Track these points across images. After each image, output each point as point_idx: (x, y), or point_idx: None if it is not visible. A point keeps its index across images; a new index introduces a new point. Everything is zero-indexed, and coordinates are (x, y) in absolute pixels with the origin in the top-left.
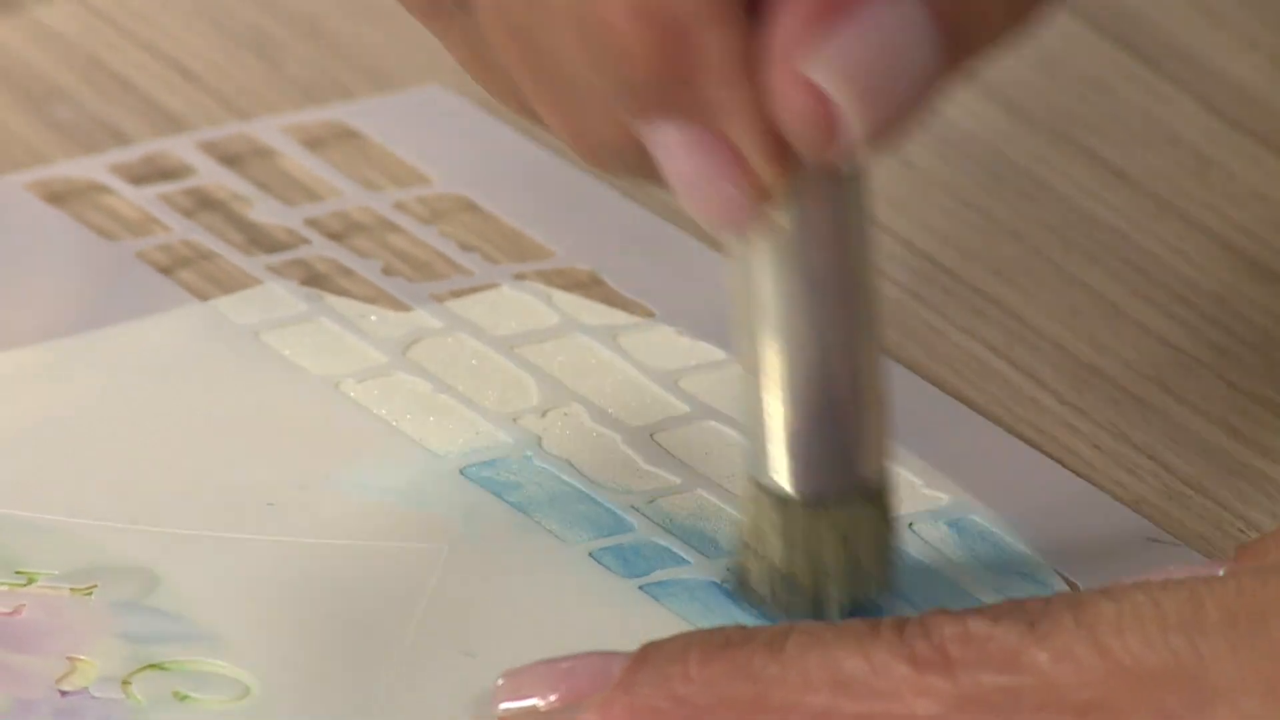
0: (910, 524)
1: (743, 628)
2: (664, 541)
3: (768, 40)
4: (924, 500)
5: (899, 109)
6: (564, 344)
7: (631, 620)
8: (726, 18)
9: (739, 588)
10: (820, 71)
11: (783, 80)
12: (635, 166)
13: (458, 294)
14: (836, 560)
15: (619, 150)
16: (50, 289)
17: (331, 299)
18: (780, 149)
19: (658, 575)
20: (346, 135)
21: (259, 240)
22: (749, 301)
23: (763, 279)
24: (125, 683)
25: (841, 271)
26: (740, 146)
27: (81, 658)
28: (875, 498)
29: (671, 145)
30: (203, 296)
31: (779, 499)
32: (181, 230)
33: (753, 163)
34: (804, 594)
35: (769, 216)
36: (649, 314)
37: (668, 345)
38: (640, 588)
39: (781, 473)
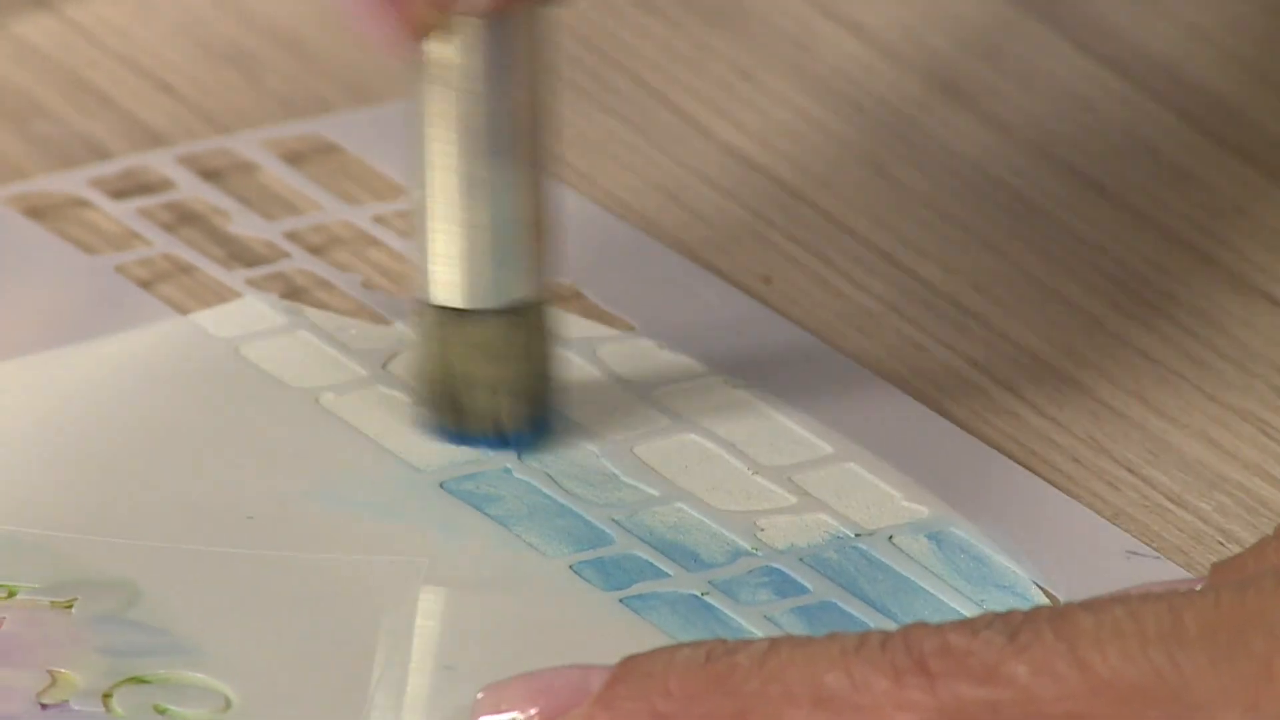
0: (890, 536)
1: (724, 641)
2: (644, 554)
3: None
4: (904, 513)
5: None
6: None
7: (612, 633)
8: None
9: (411, 401)
10: None
11: None
12: None
13: None
14: (473, 367)
15: None
16: (30, 303)
17: (311, 312)
18: None
19: (638, 588)
20: (326, 149)
21: (239, 254)
22: (418, 125)
23: (431, 105)
24: (106, 696)
25: (502, 106)
26: None
27: (62, 671)
28: (526, 315)
29: None
30: (183, 310)
31: (428, 309)
32: (161, 244)
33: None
34: (442, 400)
35: (434, 50)
36: (629, 327)
37: (648, 358)
38: (620, 601)
39: (433, 284)
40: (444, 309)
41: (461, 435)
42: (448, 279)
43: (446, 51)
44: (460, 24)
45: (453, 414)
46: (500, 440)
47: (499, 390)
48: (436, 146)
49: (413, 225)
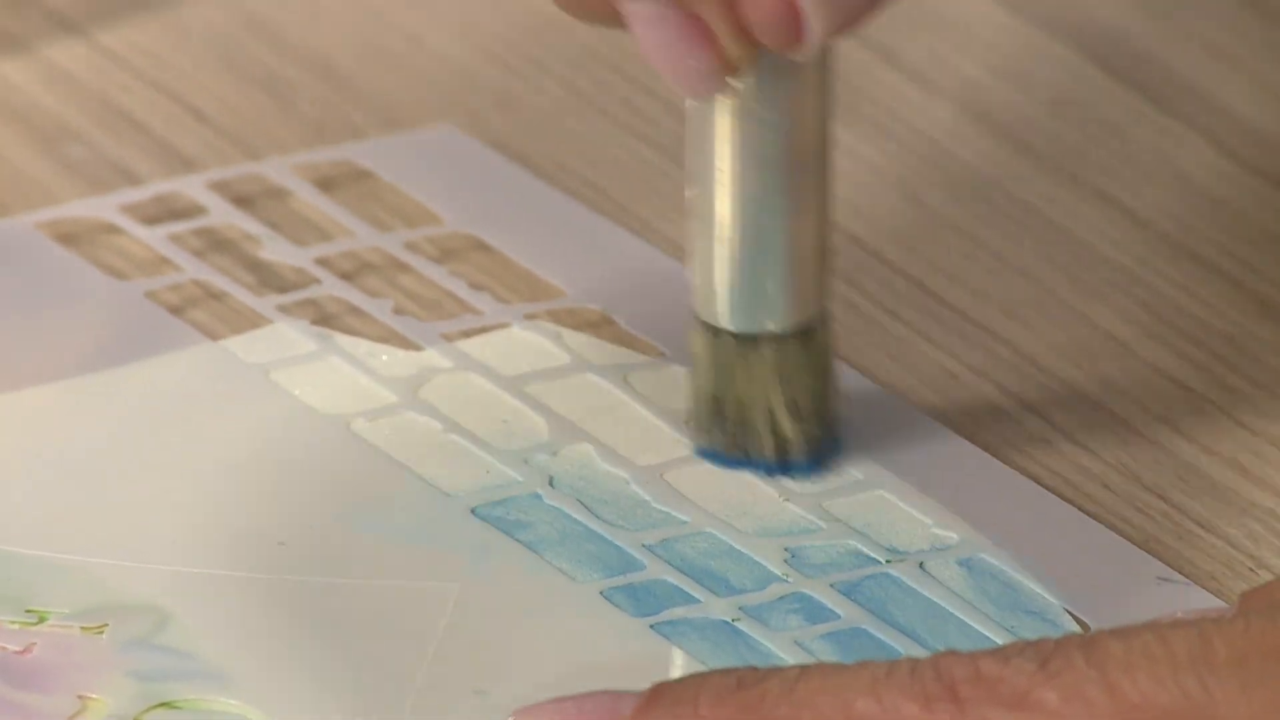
0: (921, 563)
1: (755, 668)
2: (675, 580)
3: None
4: (935, 539)
5: (856, 12)
6: (575, 384)
7: (642, 659)
8: None
9: (687, 422)
10: None
11: None
12: (611, 21)
13: (468, 333)
14: (762, 392)
15: (595, 12)
16: (61, 329)
17: (342, 338)
18: (747, 31)
19: (668, 614)
20: (357, 175)
21: (269, 280)
22: (700, 151)
23: (715, 133)
24: None
25: (791, 134)
26: (711, 25)
27: (92, 696)
28: (806, 339)
29: (644, 19)
30: (213, 336)
31: (713, 331)
32: (192, 270)
33: (724, 40)
34: (731, 422)
35: (733, 84)
36: (659, 354)
37: (678, 385)
38: (651, 627)
39: (717, 307)
40: (728, 332)
41: (740, 460)
42: (735, 303)
43: (745, 83)
44: (764, 56)
45: (733, 438)
46: (782, 466)
47: (784, 414)
48: (729, 173)
49: (692, 247)
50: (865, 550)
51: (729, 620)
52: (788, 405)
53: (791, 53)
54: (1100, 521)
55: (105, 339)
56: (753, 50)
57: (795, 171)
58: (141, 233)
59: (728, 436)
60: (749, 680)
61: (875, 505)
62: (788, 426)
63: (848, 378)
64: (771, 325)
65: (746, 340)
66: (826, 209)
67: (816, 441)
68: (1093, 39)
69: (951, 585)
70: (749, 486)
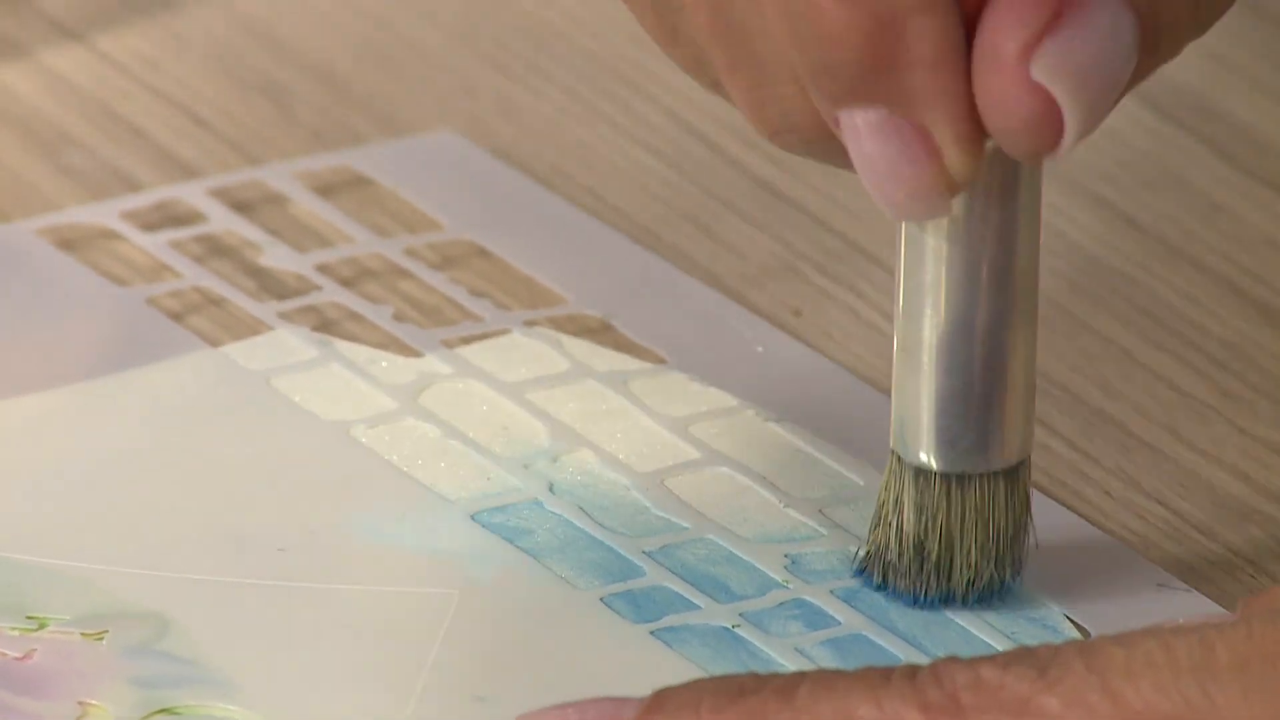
0: None
1: (755, 675)
2: (675, 587)
3: (985, 35)
4: None
5: (1107, 109)
6: (575, 390)
7: (643, 666)
8: (939, 7)
9: (872, 565)
10: (1046, 73)
11: (1011, 81)
12: (816, 147)
13: (468, 340)
14: (968, 536)
15: (802, 130)
16: (61, 335)
17: (342, 345)
18: (978, 141)
19: (669, 620)
20: (357, 181)
21: (270, 286)
22: (912, 279)
23: (930, 261)
24: None
25: (1008, 261)
26: (937, 136)
27: (93, 703)
28: (1012, 479)
29: (865, 130)
30: (214, 343)
31: (917, 471)
32: (193, 276)
33: (948, 154)
34: (934, 566)
35: (952, 205)
36: (660, 360)
37: (679, 391)
38: (651, 633)
39: (922, 446)
40: (934, 472)
41: (938, 598)
42: (943, 441)
43: (961, 205)
44: (987, 174)
45: (921, 569)
46: (975, 595)
47: (981, 553)
48: (938, 303)
49: (899, 382)
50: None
51: (729, 626)
52: (982, 548)
53: (1040, 159)
54: (1100, 528)
55: (106, 345)
56: (979, 165)
57: (1008, 294)
58: (142, 239)
59: (919, 575)
60: (749, 687)
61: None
62: (976, 565)
63: (849, 383)
64: (978, 466)
65: (946, 478)
66: (1034, 340)
67: (1002, 577)
68: None
69: None
70: (749, 493)
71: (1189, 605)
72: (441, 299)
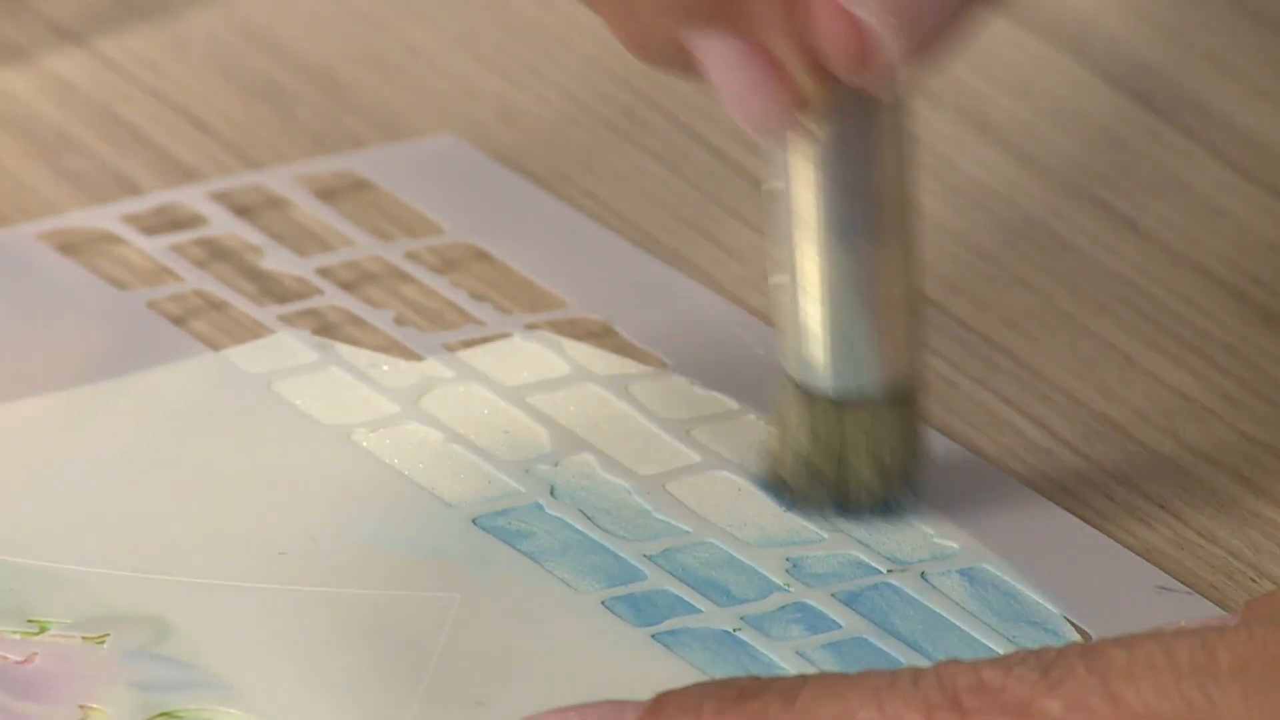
0: (922, 573)
1: (757, 678)
2: (676, 590)
3: None
4: (936, 549)
5: (931, 35)
6: (576, 394)
7: (644, 669)
8: None
9: (769, 481)
10: (860, 3)
11: (823, 8)
12: (682, 67)
13: (469, 344)
14: (859, 455)
15: (668, 53)
16: (62, 339)
17: (343, 348)
18: (820, 64)
19: (670, 624)
20: (358, 185)
21: (271, 290)
22: (786, 206)
23: (799, 186)
24: None
25: (876, 182)
26: (782, 60)
27: (93, 706)
28: (902, 397)
29: (717, 55)
30: (215, 346)
31: (806, 394)
32: (193, 280)
33: (794, 75)
34: (828, 486)
35: (808, 126)
36: (661, 364)
37: (680, 395)
38: (653, 637)
39: (809, 369)
40: (819, 394)
41: (835, 509)
42: (825, 363)
43: (820, 127)
44: (839, 96)
45: (817, 489)
46: (873, 513)
47: (870, 469)
48: (808, 226)
49: (780, 306)
50: (866, 560)
51: (730, 630)
52: (875, 467)
53: (865, 82)
54: (1101, 531)
55: (107, 349)
56: (826, 85)
57: (880, 215)
58: (143, 243)
59: (811, 489)
60: (751, 690)
61: None
62: (866, 480)
63: None
64: (857, 388)
65: (830, 401)
66: (915, 261)
67: (896, 493)
68: (1094, 50)
69: (953, 595)
70: (750, 497)
71: (1190, 608)
72: (442, 303)
